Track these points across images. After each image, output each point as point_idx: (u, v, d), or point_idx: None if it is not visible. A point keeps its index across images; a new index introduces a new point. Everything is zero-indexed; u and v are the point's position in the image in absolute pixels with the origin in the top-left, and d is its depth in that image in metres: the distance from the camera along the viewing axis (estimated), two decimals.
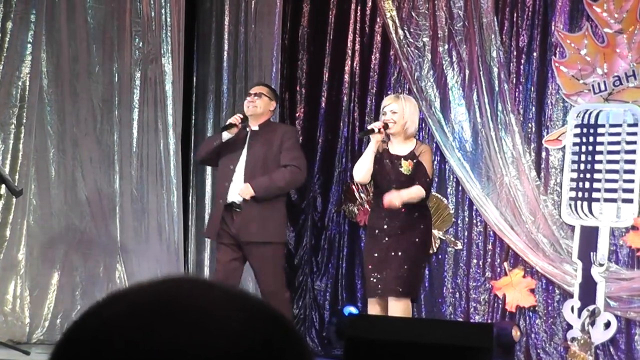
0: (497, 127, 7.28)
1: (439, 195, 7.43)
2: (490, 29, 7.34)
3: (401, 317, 5.81)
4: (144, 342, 0.83)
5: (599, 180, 7.00)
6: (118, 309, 0.86)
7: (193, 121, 8.21)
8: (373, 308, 6.10)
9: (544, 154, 7.25)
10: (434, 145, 7.54)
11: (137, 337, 0.83)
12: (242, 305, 0.88)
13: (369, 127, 6.32)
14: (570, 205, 7.07)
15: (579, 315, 6.88)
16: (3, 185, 6.49)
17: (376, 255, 6.04)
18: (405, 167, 6.06)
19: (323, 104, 8.05)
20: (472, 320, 7.22)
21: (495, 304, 7.27)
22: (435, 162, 7.46)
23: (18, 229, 6.94)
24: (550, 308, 7.12)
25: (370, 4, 7.91)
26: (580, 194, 7.06)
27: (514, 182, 7.21)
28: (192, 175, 8.19)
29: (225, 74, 8.12)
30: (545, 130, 7.24)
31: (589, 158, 7.05)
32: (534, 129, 7.28)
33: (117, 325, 0.84)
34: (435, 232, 7.33)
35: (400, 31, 7.68)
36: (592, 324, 6.83)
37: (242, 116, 6.51)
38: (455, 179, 7.49)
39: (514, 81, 7.35)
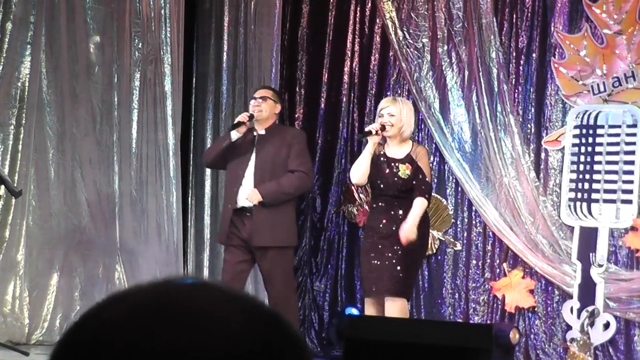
0: (496, 128, 7.28)
1: (438, 196, 7.43)
2: (489, 29, 7.35)
3: (400, 318, 5.81)
4: (144, 343, 0.83)
5: (598, 181, 7.01)
6: (118, 311, 0.86)
7: (192, 122, 8.21)
8: (370, 308, 6.13)
9: (543, 154, 7.25)
10: (433, 146, 7.55)
11: (137, 338, 0.83)
12: (241, 306, 0.88)
13: (366, 129, 6.33)
14: (569, 206, 7.08)
15: (578, 316, 6.88)
16: (2, 186, 6.49)
17: (373, 255, 6.07)
18: (403, 170, 6.08)
19: (322, 105, 8.05)
20: (471, 321, 7.22)
21: (495, 305, 7.27)
22: (435, 163, 7.47)
23: (17, 230, 6.94)
24: (549, 309, 7.13)
25: (369, 5, 7.92)
26: (579, 195, 7.06)
27: (513, 183, 7.21)
28: (192, 176, 8.19)
29: (224, 75, 8.12)
30: (545, 131, 7.25)
31: (588, 159, 7.05)
32: (533, 130, 7.28)
33: (117, 327, 0.84)
34: (434, 232, 7.34)
35: (399, 32, 7.68)
36: (592, 324, 6.83)
37: (249, 114, 6.49)
38: (454, 180, 7.49)
39: (513, 82, 7.35)
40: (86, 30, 7.34)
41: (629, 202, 6.90)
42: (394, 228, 6.03)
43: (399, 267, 5.99)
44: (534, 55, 7.30)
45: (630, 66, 6.95)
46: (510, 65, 7.37)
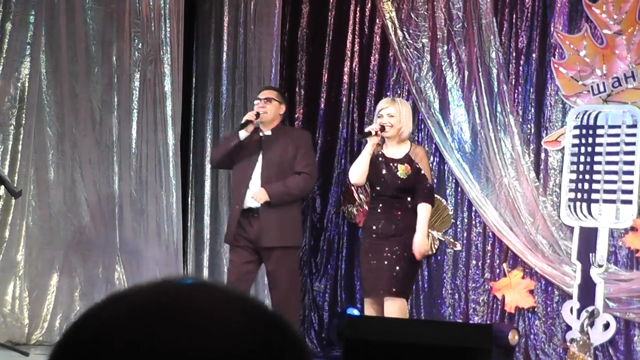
0: (496, 128, 7.28)
1: (438, 197, 7.42)
2: (489, 30, 7.35)
3: (400, 318, 5.82)
4: (144, 343, 0.82)
5: (598, 182, 7.01)
6: (118, 311, 0.86)
7: (192, 122, 8.21)
8: (369, 308, 6.14)
9: (543, 155, 7.25)
10: (433, 146, 7.55)
11: (136, 338, 0.83)
12: (241, 306, 0.88)
13: (366, 130, 6.33)
14: (569, 206, 7.08)
15: (578, 316, 6.88)
16: (2, 187, 6.49)
17: (372, 255, 6.08)
18: (402, 171, 6.09)
19: (322, 105, 8.05)
20: (471, 322, 7.22)
21: (495, 305, 7.27)
22: (435, 163, 7.47)
23: (17, 230, 6.94)
24: (549, 309, 7.13)
25: (369, 5, 7.92)
26: (579, 195, 7.06)
27: (513, 183, 7.21)
28: (191, 177, 8.19)
29: (224, 75, 8.12)
30: (545, 132, 7.25)
31: (588, 159, 7.05)
32: (533, 130, 7.28)
33: (116, 327, 0.84)
34: (434, 233, 7.34)
35: (399, 32, 7.68)
36: (591, 325, 6.83)
37: (255, 112, 6.50)
38: (454, 180, 7.49)
39: (513, 82, 7.35)
40: (86, 31, 7.34)
41: (629, 202, 6.90)
42: (392, 228, 6.04)
43: (398, 267, 6.00)
44: (533, 55, 7.30)
45: (630, 66, 6.95)
46: (510, 65, 7.37)
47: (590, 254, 6.94)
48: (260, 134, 6.52)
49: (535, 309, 7.14)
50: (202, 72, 8.22)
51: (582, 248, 6.98)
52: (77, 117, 7.28)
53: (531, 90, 7.30)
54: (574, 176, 7.09)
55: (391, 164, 6.13)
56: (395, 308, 5.97)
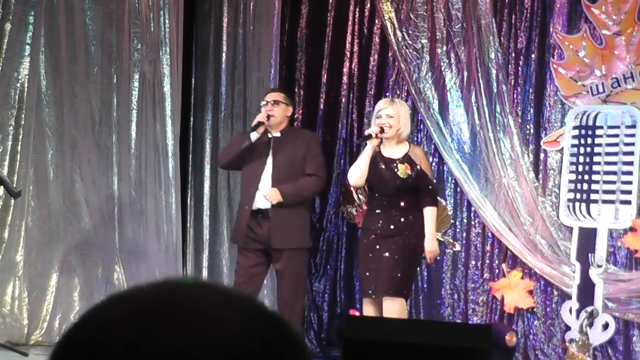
0: (495, 129, 7.28)
1: (438, 197, 7.43)
2: (488, 30, 7.35)
3: (399, 319, 5.83)
4: (144, 344, 0.83)
5: (597, 182, 7.01)
6: (117, 311, 0.86)
7: (191, 123, 8.21)
8: (368, 308, 6.15)
9: (542, 155, 7.25)
10: (433, 146, 7.56)
11: (136, 339, 0.83)
12: (241, 307, 0.88)
13: (366, 133, 6.34)
14: (568, 206, 7.08)
15: (577, 317, 6.89)
16: (1, 187, 6.49)
17: (371, 256, 6.10)
18: (402, 170, 6.11)
19: (321, 106, 8.06)
20: (470, 322, 7.22)
21: (494, 306, 7.28)
22: (434, 164, 7.47)
23: (16, 231, 6.94)
24: (548, 309, 7.13)
25: (368, 5, 7.92)
26: (578, 196, 7.06)
27: (512, 184, 7.21)
28: (191, 177, 8.19)
29: (223, 76, 8.12)
30: (544, 132, 7.25)
31: (587, 159, 7.06)
32: (532, 131, 7.28)
33: (116, 328, 0.84)
34: None
35: (398, 33, 7.68)
36: (590, 325, 6.83)
37: (267, 114, 6.52)
38: (453, 181, 7.49)
39: (513, 83, 7.36)
40: (85, 31, 7.34)
41: (628, 202, 6.90)
42: (391, 228, 6.05)
43: (396, 268, 6.01)
44: (533, 56, 7.31)
45: (629, 67, 6.95)
46: (509, 66, 7.37)
47: (590, 255, 6.94)
48: (269, 135, 6.55)
49: (535, 309, 7.15)
50: (202, 73, 8.22)
51: (581, 248, 6.98)
52: (76, 118, 7.27)
53: (530, 90, 7.31)
54: (573, 176, 7.09)
55: (391, 164, 6.15)
56: (394, 308, 5.98)
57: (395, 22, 7.70)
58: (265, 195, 6.37)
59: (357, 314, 7.36)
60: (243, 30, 8.10)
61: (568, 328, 6.94)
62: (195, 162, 8.16)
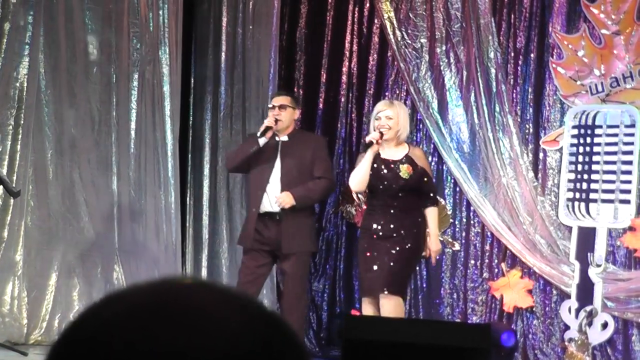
0: (494, 128, 7.29)
1: (437, 197, 7.44)
2: (487, 30, 7.35)
3: (399, 318, 5.84)
4: (143, 343, 0.82)
5: (596, 181, 7.01)
6: (116, 310, 0.86)
7: (191, 122, 8.21)
8: (367, 308, 6.18)
9: (541, 155, 7.25)
10: (432, 146, 7.56)
11: (135, 338, 0.83)
12: (241, 307, 0.88)
13: (367, 140, 6.33)
14: (567, 206, 7.08)
15: (577, 316, 6.89)
16: (1, 187, 6.49)
17: (369, 255, 6.12)
18: (404, 171, 6.14)
19: (320, 105, 8.06)
20: (469, 321, 7.23)
21: (493, 305, 7.28)
22: (433, 163, 7.47)
23: (16, 230, 6.94)
24: (547, 309, 7.13)
25: (368, 5, 7.92)
26: (577, 195, 7.07)
27: (512, 183, 7.21)
28: (190, 177, 8.19)
29: (223, 75, 8.12)
30: (543, 132, 7.25)
31: (587, 159, 7.06)
32: (531, 130, 7.28)
33: (115, 326, 0.84)
34: None
35: (397, 32, 7.68)
36: (590, 324, 6.84)
37: (275, 119, 6.54)
38: (452, 180, 7.49)
39: (512, 82, 7.36)
40: (84, 31, 7.34)
41: (627, 202, 6.90)
42: (391, 228, 6.07)
43: (395, 267, 6.04)
44: (532, 55, 7.31)
45: (628, 66, 6.95)
46: (509, 65, 7.37)
47: (589, 254, 6.94)
48: (277, 139, 6.58)
49: (534, 309, 7.15)
50: (201, 73, 8.22)
51: (581, 248, 6.98)
52: (75, 117, 7.27)
53: (529, 90, 7.31)
54: (572, 176, 7.09)
55: (392, 165, 6.17)
56: (391, 306, 6.00)
57: (395, 22, 7.70)
58: (278, 200, 6.41)
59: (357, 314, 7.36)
60: (242, 29, 8.10)
61: (567, 327, 6.94)
62: (194, 162, 8.16)
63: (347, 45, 7.98)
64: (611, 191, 6.96)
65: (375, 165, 6.17)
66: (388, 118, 6.19)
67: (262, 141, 6.52)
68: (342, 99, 7.98)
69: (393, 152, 6.22)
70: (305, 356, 0.89)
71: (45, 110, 7.14)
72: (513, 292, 7.15)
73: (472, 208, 7.39)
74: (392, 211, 6.11)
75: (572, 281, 6.97)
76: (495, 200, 7.25)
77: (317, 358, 7.42)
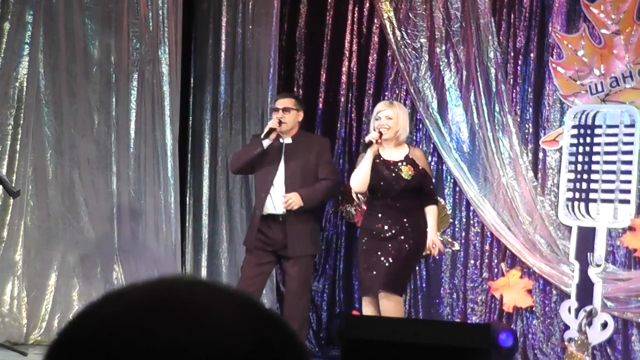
0: (494, 128, 7.28)
1: (437, 197, 7.44)
2: (487, 30, 7.35)
3: (398, 318, 5.84)
4: (142, 341, 0.82)
5: (596, 181, 7.01)
6: (115, 308, 0.86)
7: (190, 122, 8.21)
8: (367, 307, 6.19)
9: (541, 154, 7.25)
10: (431, 146, 7.56)
11: (134, 336, 0.83)
12: (240, 305, 0.88)
13: (367, 140, 6.34)
14: (567, 206, 7.08)
15: (576, 316, 6.89)
16: (0, 187, 6.49)
17: (369, 255, 6.13)
18: (406, 171, 6.16)
19: (320, 105, 8.05)
20: (469, 321, 7.22)
21: (493, 305, 7.28)
22: (433, 163, 7.47)
23: (15, 230, 6.93)
24: (547, 309, 7.13)
25: (367, 5, 7.92)
26: (577, 195, 7.06)
27: (511, 183, 7.21)
28: (189, 176, 8.18)
29: (222, 75, 8.12)
30: (543, 131, 7.25)
31: (586, 159, 7.06)
32: (531, 130, 7.28)
33: (114, 325, 0.84)
34: None
35: (397, 32, 7.68)
36: (589, 324, 6.83)
37: (278, 121, 6.56)
38: (452, 180, 7.49)
39: (511, 82, 7.36)
40: (84, 31, 7.33)
41: (627, 202, 6.90)
42: (391, 228, 6.09)
43: (394, 266, 6.05)
44: (531, 55, 7.31)
45: (628, 66, 6.95)
46: (508, 65, 7.37)
47: (588, 254, 6.94)
48: (281, 140, 6.59)
49: (534, 309, 7.15)
50: (201, 72, 8.21)
51: (580, 247, 6.98)
52: (75, 117, 7.27)
53: (529, 90, 7.31)
54: (572, 176, 7.09)
55: (392, 166, 6.18)
56: (390, 306, 6.01)
57: (394, 22, 7.70)
58: (287, 200, 6.41)
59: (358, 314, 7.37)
60: (242, 29, 8.10)
61: (567, 327, 6.94)
62: (194, 162, 8.16)
63: (346, 45, 7.98)
64: (611, 191, 6.96)
65: (376, 167, 6.18)
66: (388, 118, 6.20)
67: (266, 143, 6.54)
68: (342, 99, 7.98)
69: (393, 153, 6.23)
70: (305, 356, 0.89)
71: (44, 110, 7.14)
72: (513, 292, 7.15)
73: (471, 208, 7.39)
74: (393, 212, 6.12)
75: (572, 281, 6.97)
76: (494, 200, 7.25)
77: (317, 358, 7.42)
